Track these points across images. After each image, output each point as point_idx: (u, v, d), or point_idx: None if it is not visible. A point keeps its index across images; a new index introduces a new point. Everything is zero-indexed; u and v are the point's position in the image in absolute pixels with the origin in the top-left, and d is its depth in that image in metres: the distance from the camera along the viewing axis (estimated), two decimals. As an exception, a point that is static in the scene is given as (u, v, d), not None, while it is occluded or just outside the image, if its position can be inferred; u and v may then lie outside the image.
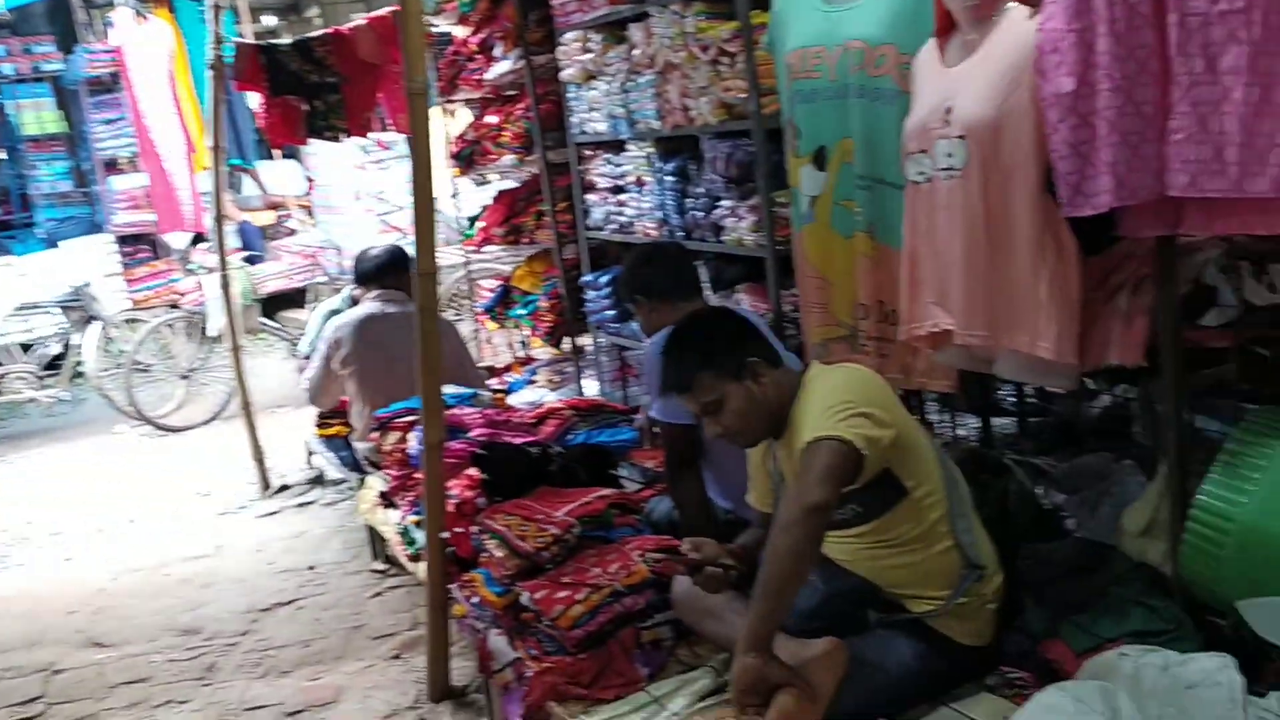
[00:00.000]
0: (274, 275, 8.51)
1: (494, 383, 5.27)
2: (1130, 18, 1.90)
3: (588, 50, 4.22)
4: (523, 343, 5.84)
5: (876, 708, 2.18)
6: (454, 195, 6.02)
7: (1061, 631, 2.32)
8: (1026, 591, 2.44)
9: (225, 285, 5.71)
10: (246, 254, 8.44)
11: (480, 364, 5.30)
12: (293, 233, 9.27)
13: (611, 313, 4.49)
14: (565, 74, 4.42)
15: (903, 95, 2.62)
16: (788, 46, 2.97)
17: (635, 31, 3.86)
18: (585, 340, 5.17)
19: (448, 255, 6.82)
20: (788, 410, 2.35)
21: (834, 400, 2.19)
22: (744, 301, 3.66)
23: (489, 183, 6.06)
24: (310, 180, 9.62)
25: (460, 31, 5.14)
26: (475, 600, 3.02)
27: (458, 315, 7.10)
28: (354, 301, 4.94)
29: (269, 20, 13.46)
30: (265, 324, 7.91)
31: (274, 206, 9.36)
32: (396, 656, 3.79)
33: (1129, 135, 1.94)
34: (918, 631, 2.30)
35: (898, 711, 2.23)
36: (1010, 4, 2.26)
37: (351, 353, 4.42)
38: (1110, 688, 1.94)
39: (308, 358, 5.03)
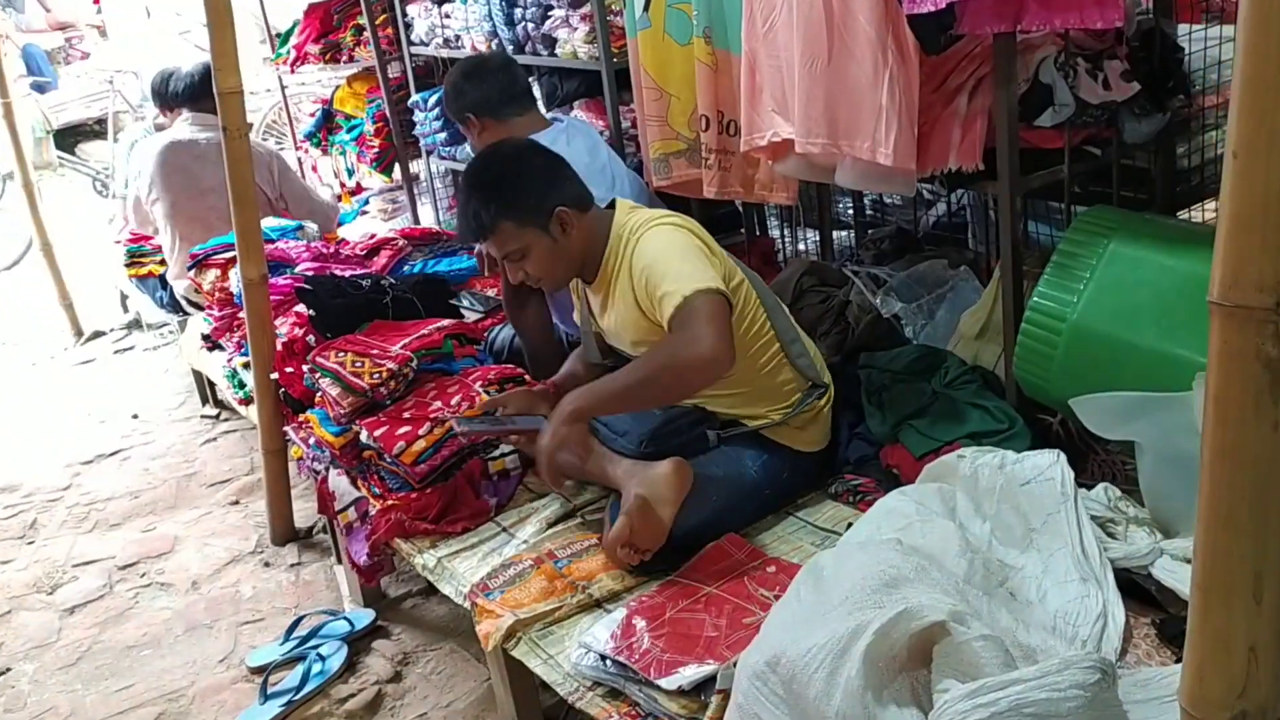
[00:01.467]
0: (69, 103, 7.76)
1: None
2: None
3: None
4: (350, 171, 5.50)
5: (725, 520, 2.19)
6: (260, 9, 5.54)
7: (901, 437, 2.35)
8: (867, 399, 2.46)
9: (9, 115, 5.17)
10: (34, 80, 7.67)
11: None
12: (86, 56, 8.45)
13: (443, 135, 4.24)
14: None
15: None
16: None
17: None
18: (418, 166, 4.90)
19: (261, 80, 6.33)
20: (599, 255, 2.25)
21: (674, 258, 2.10)
22: (581, 118, 3.50)
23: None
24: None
25: None
26: (312, 441, 2.90)
27: (279, 145, 6.64)
28: (159, 130, 4.53)
29: None
30: (64, 158, 7.27)
31: (61, 27, 8.46)
32: (235, 502, 3.65)
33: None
34: (757, 443, 2.31)
35: (746, 523, 2.25)
36: None
37: (156, 183, 4.05)
38: (949, 489, 1.98)
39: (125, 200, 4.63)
